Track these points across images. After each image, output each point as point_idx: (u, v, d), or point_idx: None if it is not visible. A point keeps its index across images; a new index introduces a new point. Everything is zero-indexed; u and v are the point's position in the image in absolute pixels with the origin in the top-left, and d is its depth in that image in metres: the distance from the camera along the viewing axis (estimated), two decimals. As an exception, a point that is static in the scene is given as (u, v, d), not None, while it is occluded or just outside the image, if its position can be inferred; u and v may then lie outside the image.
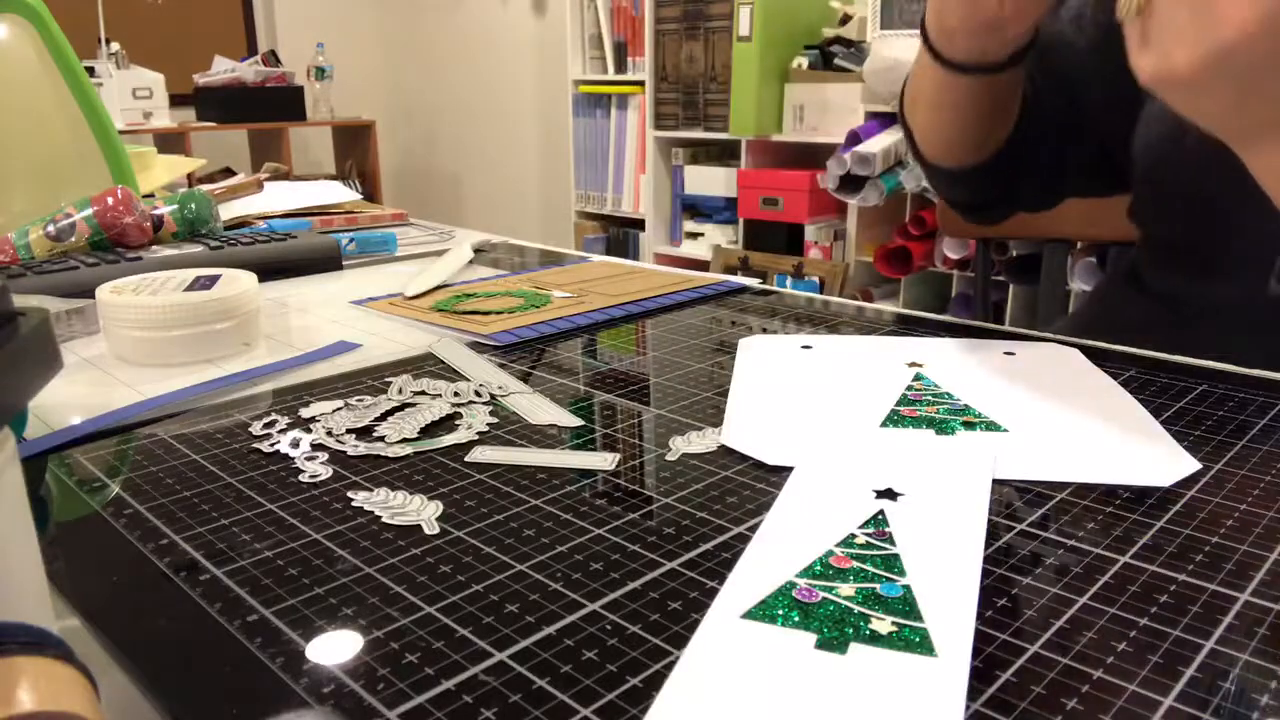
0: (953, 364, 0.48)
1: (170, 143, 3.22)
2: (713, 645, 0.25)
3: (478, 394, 0.45)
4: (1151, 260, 0.67)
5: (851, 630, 0.25)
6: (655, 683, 0.23)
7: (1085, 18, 0.62)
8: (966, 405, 0.42)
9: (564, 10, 2.85)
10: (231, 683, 0.24)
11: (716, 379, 0.47)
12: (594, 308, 0.61)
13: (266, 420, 0.42)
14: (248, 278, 0.56)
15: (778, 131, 2.34)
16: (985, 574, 0.28)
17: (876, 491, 0.33)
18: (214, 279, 0.55)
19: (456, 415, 0.42)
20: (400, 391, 0.45)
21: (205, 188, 0.94)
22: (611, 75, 2.73)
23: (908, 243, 2.13)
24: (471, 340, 0.55)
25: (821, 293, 2.00)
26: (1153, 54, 0.36)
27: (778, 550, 0.29)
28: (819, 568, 0.28)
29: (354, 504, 0.33)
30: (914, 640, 0.25)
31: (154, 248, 0.73)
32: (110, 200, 0.73)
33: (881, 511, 0.32)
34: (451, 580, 0.28)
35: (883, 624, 0.25)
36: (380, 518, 0.32)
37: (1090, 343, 0.50)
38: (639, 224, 2.73)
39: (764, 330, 0.56)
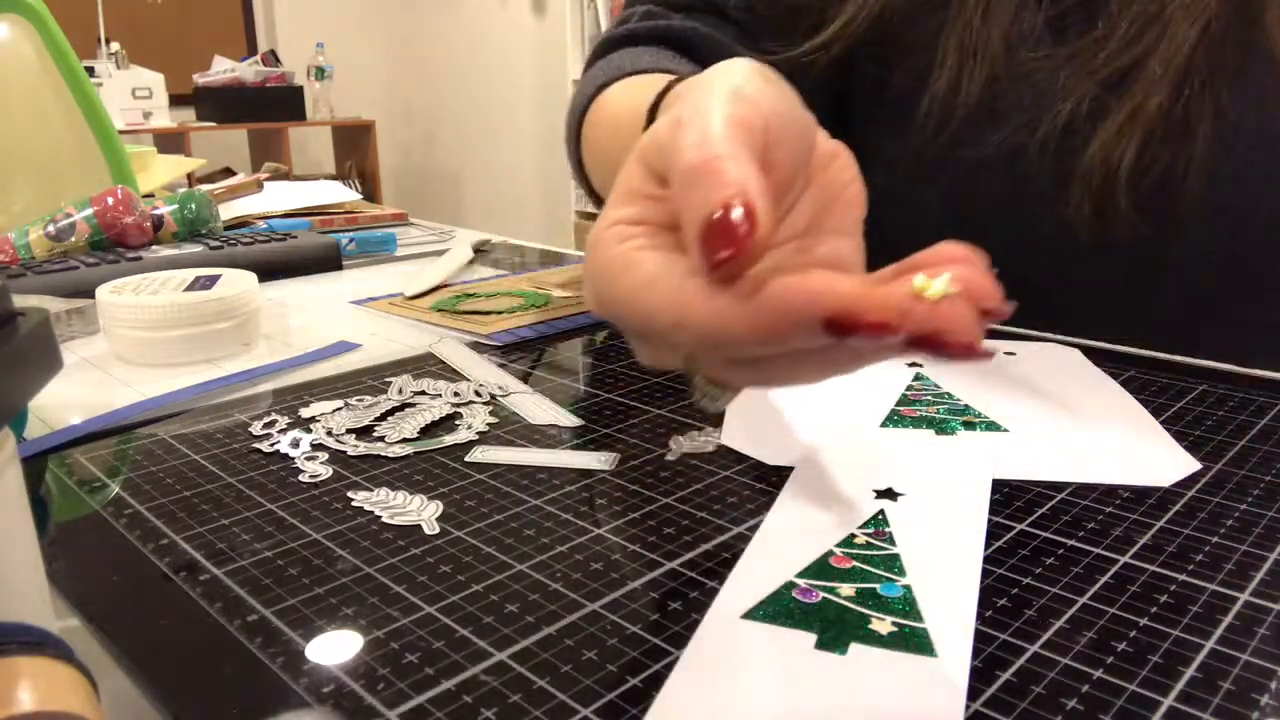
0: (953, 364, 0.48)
1: (170, 143, 3.22)
2: (713, 645, 0.25)
3: (478, 394, 0.44)
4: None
5: (851, 630, 0.25)
6: (655, 683, 0.23)
7: None
8: (966, 405, 0.42)
9: (564, 10, 2.85)
10: (231, 683, 0.24)
11: (716, 379, 0.47)
12: (594, 308, 0.61)
13: (266, 420, 0.42)
14: (248, 278, 0.56)
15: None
16: (985, 574, 0.28)
17: (876, 491, 0.33)
18: (214, 279, 0.55)
19: (456, 415, 0.42)
20: (400, 391, 0.45)
21: (205, 188, 0.94)
22: (611, 75, 2.73)
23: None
24: (471, 340, 0.55)
25: (821, 293, 1.99)
26: None
27: (778, 550, 0.29)
28: (819, 568, 0.28)
29: (354, 504, 0.33)
30: (914, 640, 0.25)
31: (154, 248, 0.73)
32: (110, 200, 0.73)
33: (881, 511, 0.32)
34: (451, 580, 0.28)
35: (883, 624, 0.25)
36: (380, 517, 0.32)
37: (1090, 343, 0.50)
38: (639, 224, 2.72)
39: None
